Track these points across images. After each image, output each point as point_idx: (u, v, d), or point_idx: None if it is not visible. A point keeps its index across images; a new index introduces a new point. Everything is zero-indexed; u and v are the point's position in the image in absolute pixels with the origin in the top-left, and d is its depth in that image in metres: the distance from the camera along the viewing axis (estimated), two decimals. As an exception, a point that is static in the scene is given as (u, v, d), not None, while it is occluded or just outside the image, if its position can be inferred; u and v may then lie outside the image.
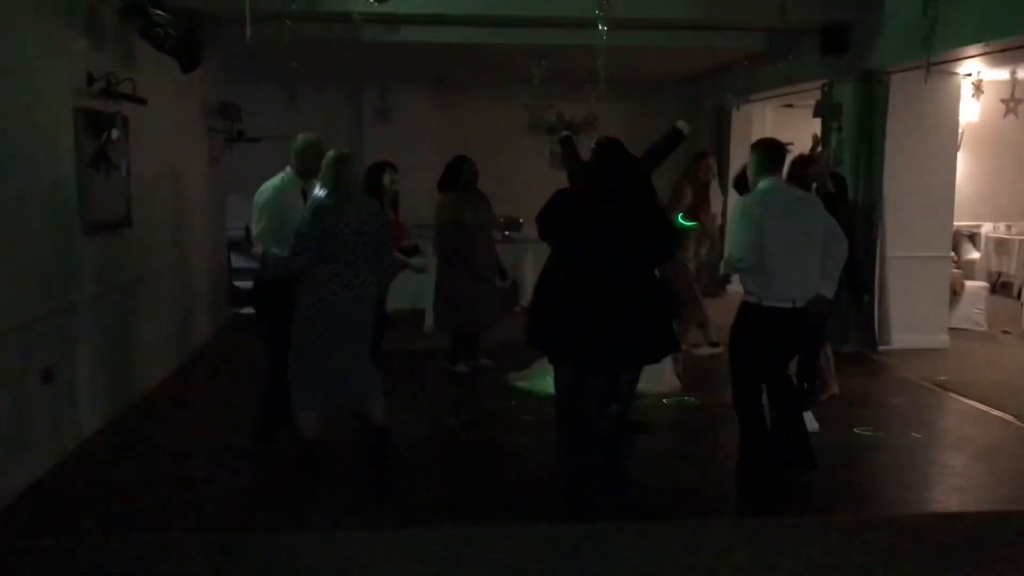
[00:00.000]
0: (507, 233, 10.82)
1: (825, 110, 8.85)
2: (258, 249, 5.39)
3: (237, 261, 11.50)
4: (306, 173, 5.40)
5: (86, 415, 5.72)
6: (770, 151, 5.07)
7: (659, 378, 6.73)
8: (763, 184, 4.95)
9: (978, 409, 6.70)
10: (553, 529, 4.44)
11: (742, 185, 5.53)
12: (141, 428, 6.08)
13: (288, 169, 5.49)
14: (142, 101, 6.45)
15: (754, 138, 11.88)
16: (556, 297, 4.78)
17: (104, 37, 6.08)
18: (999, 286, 11.85)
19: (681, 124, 5.88)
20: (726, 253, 5.18)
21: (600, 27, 6.66)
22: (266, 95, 10.85)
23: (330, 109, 12.06)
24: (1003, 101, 10.77)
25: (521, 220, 11.28)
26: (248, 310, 10.48)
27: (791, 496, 5.00)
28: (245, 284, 11.15)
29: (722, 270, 5.53)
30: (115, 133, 6.12)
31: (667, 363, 6.79)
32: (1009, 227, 12.61)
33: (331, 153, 5.12)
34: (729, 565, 4.01)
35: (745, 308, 4.97)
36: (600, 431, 4.68)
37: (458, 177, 7.45)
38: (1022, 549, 4.19)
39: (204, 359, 8.25)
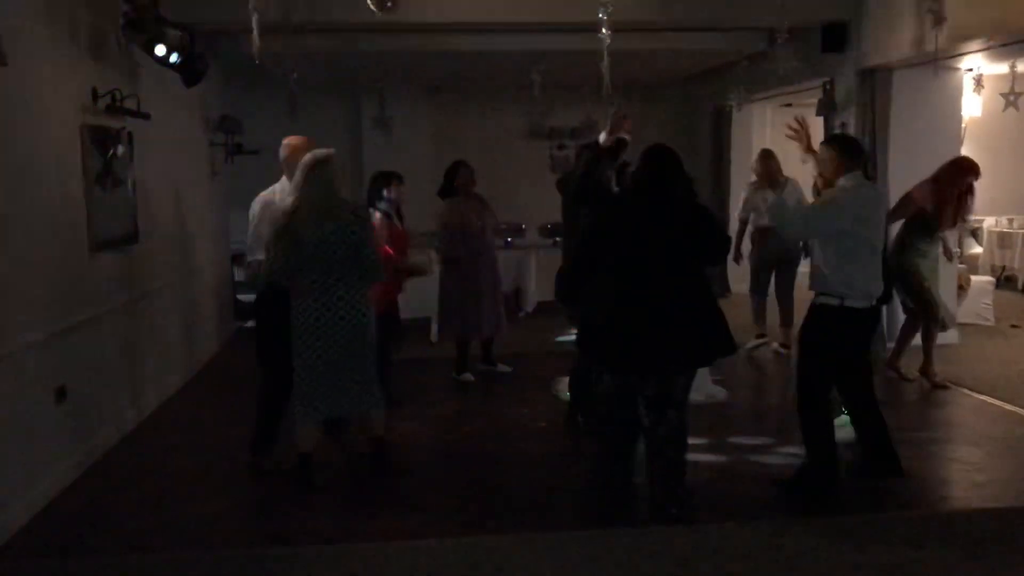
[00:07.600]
0: (509, 240, 10.80)
1: (828, 108, 8.84)
2: (254, 259, 5.22)
3: (239, 274, 11.51)
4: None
5: (99, 434, 5.69)
6: (854, 144, 5.07)
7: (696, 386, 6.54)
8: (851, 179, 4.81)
9: (992, 404, 6.68)
10: (570, 536, 4.37)
11: None
12: (153, 446, 6.03)
13: (283, 179, 5.34)
14: (146, 116, 6.42)
15: (755, 138, 11.96)
16: (605, 305, 4.42)
17: (107, 52, 6.05)
18: (1003, 280, 11.84)
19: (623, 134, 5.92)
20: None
21: (602, 31, 6.61)
22: (265, 107, 10.80)
23: (329, 119, 12.01)
24: (1003, 95, 10.76)
25: (523, 226, 11.27)
26: (251, 323, 10.57)
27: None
28: (248, 297, 11.18)
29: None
30: (120, 149, 6.09)
31: (703, 371, 6.68)
32: (1011, 221, 12.63)
33: (306, 157, 4.91)
34: (753, 569, 3.98)
35: (829, 311, 4.80)
36: (661, 439, 4.37)
37: (454, 181, 7.43)
38: (1050, 544, 4.17)
39: (212, 374, 8.21)
